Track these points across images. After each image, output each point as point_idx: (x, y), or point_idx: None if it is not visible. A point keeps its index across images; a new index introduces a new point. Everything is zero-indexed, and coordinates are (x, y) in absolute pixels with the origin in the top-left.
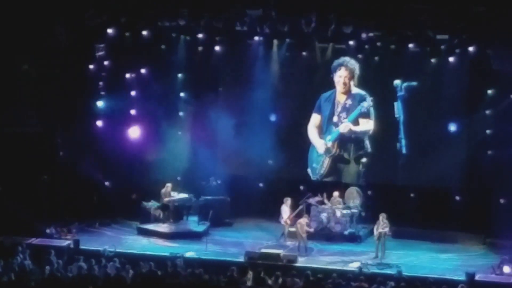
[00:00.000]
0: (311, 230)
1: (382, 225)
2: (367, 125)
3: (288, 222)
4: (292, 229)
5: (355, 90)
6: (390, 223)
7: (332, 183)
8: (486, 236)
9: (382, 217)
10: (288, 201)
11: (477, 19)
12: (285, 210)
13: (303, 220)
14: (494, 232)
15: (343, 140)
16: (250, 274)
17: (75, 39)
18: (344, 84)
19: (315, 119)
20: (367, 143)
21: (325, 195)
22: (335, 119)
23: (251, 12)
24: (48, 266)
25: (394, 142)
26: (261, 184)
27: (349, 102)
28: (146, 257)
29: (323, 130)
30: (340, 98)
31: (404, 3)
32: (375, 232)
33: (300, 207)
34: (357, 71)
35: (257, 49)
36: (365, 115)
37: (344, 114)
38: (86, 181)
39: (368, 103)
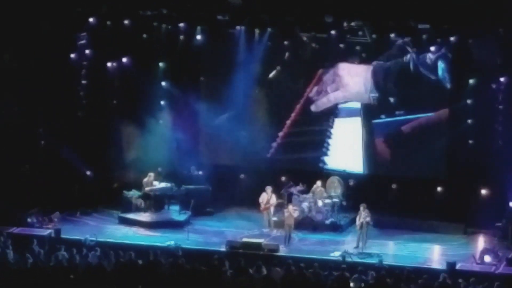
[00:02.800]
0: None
1: (364, 215)
2: None
3: (263, 208)
4: (275, 219)
5: None
6: (372, 213)
7: (313, 173)
8: (467, 225)
9: (363, 207)
10: (268, 190)
11: (458, 8)
12: (264, 198)
13: (291, 209)
14: (475, 221)
15: None
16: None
17: (57, 28)
18: None
19: None
20: None
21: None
22: None
23: (233, 1)
24: (29, 255)
25: None
26: (242, 176)
27: None
28: (127, 246)
29: None
30: None
31: None
32: (357, 222)
33: (280, 200)
34: None
35: (238, 38)
36: None
37: None
38: (68, 170)
39: None
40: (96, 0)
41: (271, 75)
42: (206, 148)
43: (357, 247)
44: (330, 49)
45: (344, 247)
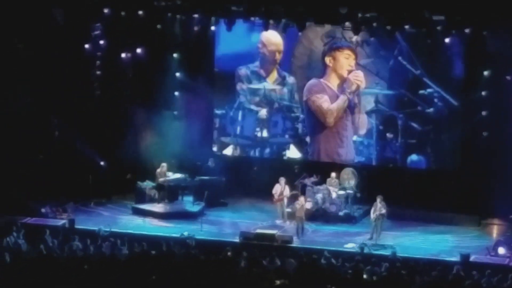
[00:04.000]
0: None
1: (380, 208)
2: None
3: (276, 199)
4: (288, 210)
5: None
6: (386, 205)
7: (327, 164)
8: (482, 217)
9: (380, 199)
10: (282, 181)
11: (473, 0)
12: (277, 189)
13: (303, 201)
14: (489, 213)
15: None
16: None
17: (71, 18)
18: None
19: None
20: None
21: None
22: None
23: None
24: (43, 246)
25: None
26: (255, 167)
27: None
28: (141, 237)
29: None
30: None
31: None
32: (372, 215)
33: (294, 191)
34: None
35: (252, 29)
36: None
37: None
38: (82, 160)
39: None
40: None
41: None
42: (220, 139)
43: (371, 238)
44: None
45: (358, 238)
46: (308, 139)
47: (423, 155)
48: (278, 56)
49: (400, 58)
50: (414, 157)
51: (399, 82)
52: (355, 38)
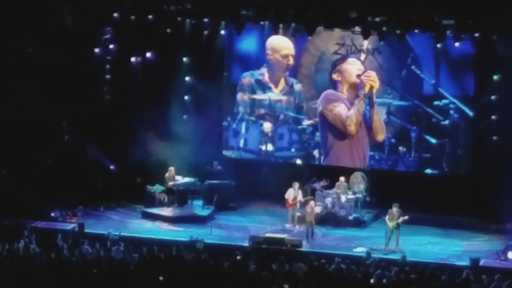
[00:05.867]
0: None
1: (397, 216)
2: None
3: (290, 204)
4: (299, 214)
5: None
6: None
7: (337, 168)
8: (491, 222)
9: (396, 208)
10: (296, 186)
11: (483, 4)
12: (290, 193)
13: (312, 205)
14: (499, 218)
15: None
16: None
17: (81, 22)
18: None
19: None
20: None
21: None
22: None
23: None
24: (52, 250)
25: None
26: (265, 171)
27: None
28: (150, 241)
29: None
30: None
31: None
32: (390, 222)
33: (310, 197)
34: None
35: (262, 33)
36: None
37: None
38: (91, 164)
39: None
40: None
41: None
42: (229, 143)
43: (385, 248)
44: None
45: (368, 242)
46: (316, 152)
47: (438, 169)
48: (291, 61)
49: (413, 67)
50: (428, 171)
51: (412, 92)
52: (365, 45)
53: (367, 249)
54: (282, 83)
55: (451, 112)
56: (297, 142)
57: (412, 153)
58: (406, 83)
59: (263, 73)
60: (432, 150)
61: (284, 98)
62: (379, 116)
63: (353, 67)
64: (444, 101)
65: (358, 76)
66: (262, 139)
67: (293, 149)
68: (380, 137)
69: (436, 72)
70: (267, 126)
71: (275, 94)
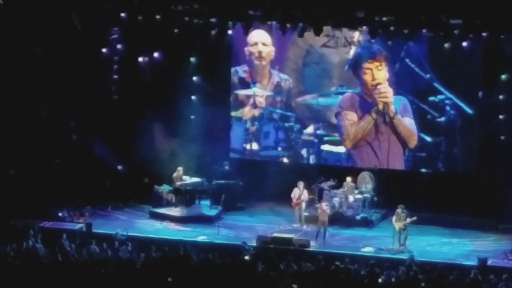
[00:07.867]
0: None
1: (403, 216)
2: None
3: (295, 203)
4: (306, 214)
5: None
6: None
7: (345, 168)
8: (499, 221)
9: (401, 209)
10: (301, 185)
11: (491, 4)
12: (295, 193)
13: (324, 205)
14: (507, 217)
15: None
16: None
17: (89, 23)
18: None
19: None
20: None
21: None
22: None
23: None
24: (60, 250)
25: None
26: (272, 171)
27: None
28: (158, 241)
29: None
30: None
31: None
32: (398, 224)
33: (311, 196)
34: None
35: (269, 33)
36: None
37: None
38: (99, 164)
39: None
40: None
41: None
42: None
43: (392, 249)
44: None
45: (375, 242)
46: (304, 151)
47: (433, 169)
48: (269, 56)
49: (407, 60)
50: (423, 171)
51: (406, 87)
52: (356, 38)
53: (375, 248)
54: (265, 79)
55: (447, 108)
56: (284, 141)
57: (406, 152)
58: (399, 77)
59: (246, 70)
60: (428, 149)
61: (269, 93)
62: (405, 123)
63: (369, 75)
64: (440, 96)
65: (373, 88)
66: (246, 138)
67: (279, 148)
68: (411, 143)
69: (433, 67)
70: (251, 122)
71: (261, 90)
